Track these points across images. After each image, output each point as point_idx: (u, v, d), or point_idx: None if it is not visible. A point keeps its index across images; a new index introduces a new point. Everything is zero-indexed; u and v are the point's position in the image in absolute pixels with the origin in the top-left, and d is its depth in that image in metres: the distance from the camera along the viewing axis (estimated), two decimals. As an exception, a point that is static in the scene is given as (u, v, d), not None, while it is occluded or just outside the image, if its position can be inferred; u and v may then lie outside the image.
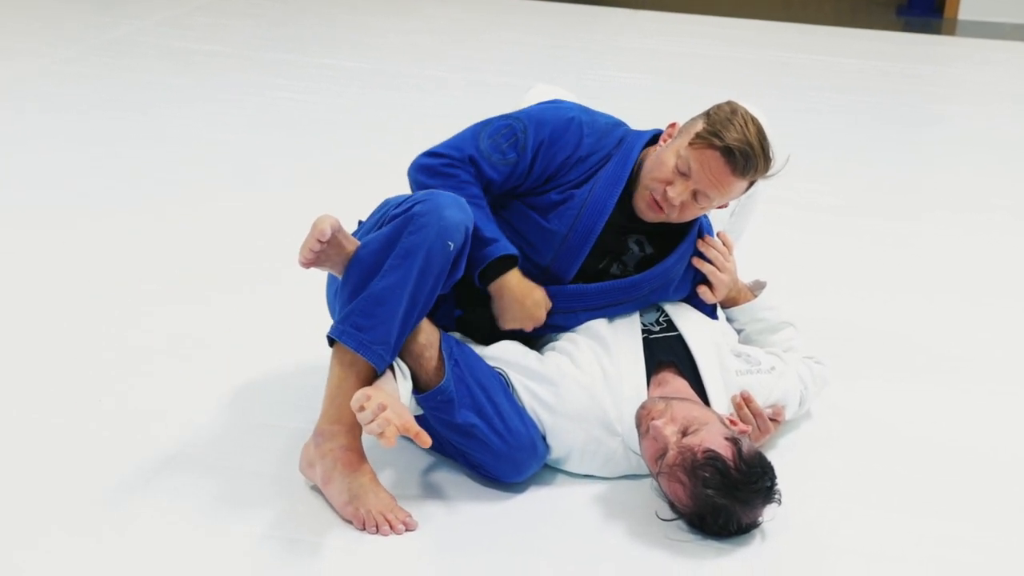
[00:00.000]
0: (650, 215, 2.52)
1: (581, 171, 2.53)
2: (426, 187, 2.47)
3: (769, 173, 2.48)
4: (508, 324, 2.51)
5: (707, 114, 2.47)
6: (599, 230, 2.52)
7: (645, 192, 2.50)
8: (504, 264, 2.47)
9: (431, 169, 2.50)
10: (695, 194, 2.46)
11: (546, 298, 2.52)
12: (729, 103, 2.49)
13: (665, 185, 2.46)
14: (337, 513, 2.35)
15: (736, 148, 2.39)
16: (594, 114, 2.60)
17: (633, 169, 2.55)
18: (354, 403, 2.22)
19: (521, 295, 2.48)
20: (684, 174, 2.44)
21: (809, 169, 4.36)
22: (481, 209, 2.46)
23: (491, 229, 2.46)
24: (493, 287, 2.47)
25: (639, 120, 2.73)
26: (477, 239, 2.43)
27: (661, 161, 2.48)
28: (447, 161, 2.50)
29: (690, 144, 2.44)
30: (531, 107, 2.61)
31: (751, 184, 2.52)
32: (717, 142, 2.40)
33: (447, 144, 2.55)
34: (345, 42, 6.04)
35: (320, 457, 2.37)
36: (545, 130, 2.51)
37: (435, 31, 6.33)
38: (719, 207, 2.59)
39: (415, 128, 4.74)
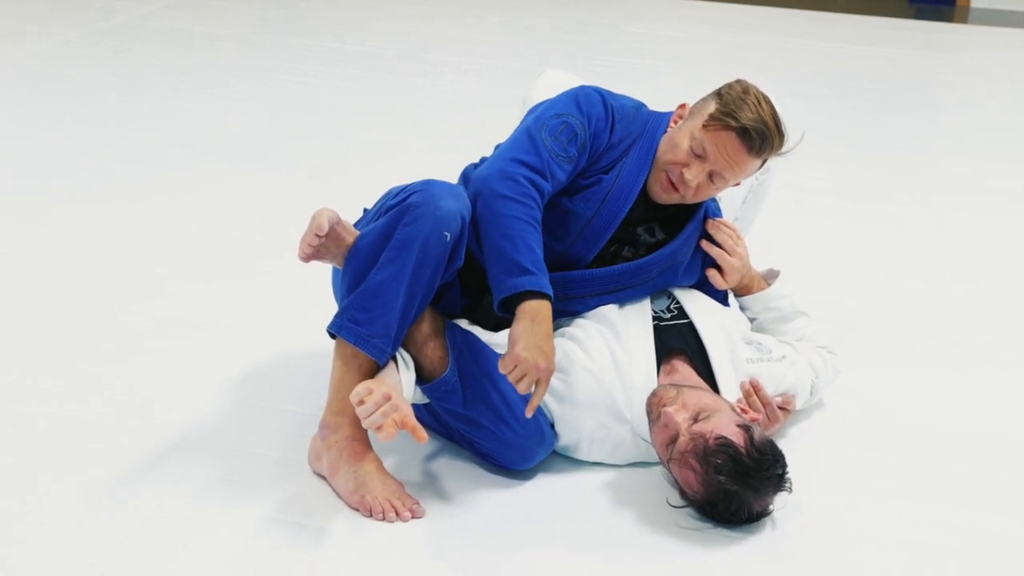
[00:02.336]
0: (665, 197, 2.50)
1: (611, 157, 2.50)
2: (501, 196, 2.35)
3: (784, 150, 2.47)
4: (520, 350, 2.24)
5: (719, 94, 2.45)
6: (623, 216, 2.49)
7: (660, 174, 2.48)
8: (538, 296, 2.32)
9: (512, 180, 2.35)
10: (711, 175, 2.44)
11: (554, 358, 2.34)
12: (739, 82, 2.47)
13: (681, 167, 2.44)
14: (345, 503, 2.33)
15: (752, 128, 2.37)
16: (618, 98, 2.57)
17: (651, 154, 2.53)
18: (353, 397, 2.20)
19: (546, 333, 2.28)
20: (699, 156, 2.42)
21: (821, 156, 4.33)
22: (536, 233, 2.34)
23: (537, 259, 2.32)
24: (527, 307, 2.28)
25: (649, 106, 2.70)
26: (519, 261, 2.29)
27: (675, 143, 2.46)
28: (529, 176, 2.37)
29: (704, 126, 2.41)
30: (569, 98, 2.51)
31: (764, 161, 2.50)
32: (732, 123, 2.38)
33: (518, 149, 2.41)
34: (352, 25, 6.02)
35: (326, 449, 2.36)
36: (593, 123, 2.47)
37: (443, 15, 6.31)
38: (733, 185, 2.57)
39: (422, 113, 4.73)
